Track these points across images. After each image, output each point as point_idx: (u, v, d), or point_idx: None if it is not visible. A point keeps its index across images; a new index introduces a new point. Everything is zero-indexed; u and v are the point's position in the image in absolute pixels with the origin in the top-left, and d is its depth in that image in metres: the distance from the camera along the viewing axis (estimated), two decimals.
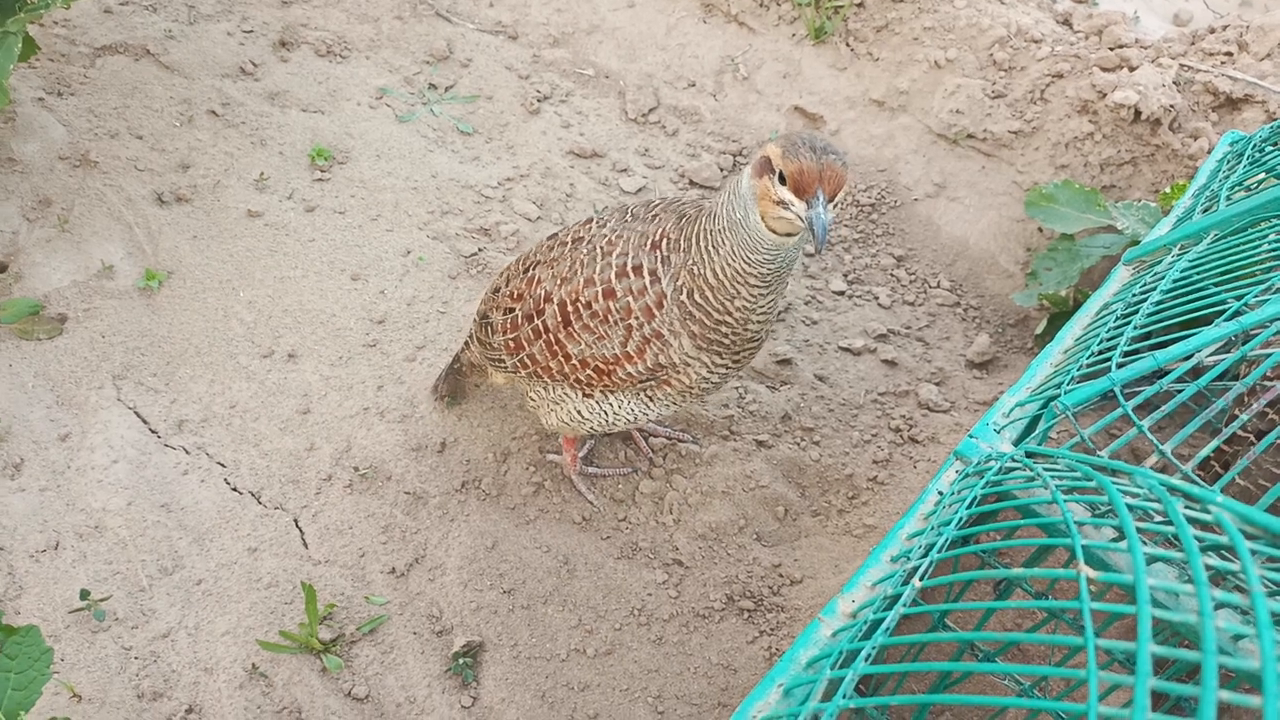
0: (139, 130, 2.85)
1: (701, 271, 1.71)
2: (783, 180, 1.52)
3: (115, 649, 1.92)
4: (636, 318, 1.80)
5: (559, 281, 1.87)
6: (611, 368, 1.87)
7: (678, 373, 1.85)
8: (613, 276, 1.80)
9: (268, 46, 3.27)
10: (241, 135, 2.94)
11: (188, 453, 2.24)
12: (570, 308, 1.85)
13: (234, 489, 2.19)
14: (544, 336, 1.91)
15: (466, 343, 2.21)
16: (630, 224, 1.87)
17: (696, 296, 1.73)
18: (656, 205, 1.89)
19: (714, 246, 1.68)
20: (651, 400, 1.94)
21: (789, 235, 1.61)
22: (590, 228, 1.92)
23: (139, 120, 2.88)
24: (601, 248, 1.84)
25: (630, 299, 1.79)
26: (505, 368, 2.05)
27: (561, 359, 1.91)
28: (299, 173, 2.90)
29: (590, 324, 1.84)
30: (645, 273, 1.78)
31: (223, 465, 2.23)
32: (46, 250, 2.50)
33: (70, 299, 2.44)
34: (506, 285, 2.03)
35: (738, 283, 1.68)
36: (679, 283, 1.75)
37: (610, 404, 1.97)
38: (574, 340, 1.87)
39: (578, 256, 1.87)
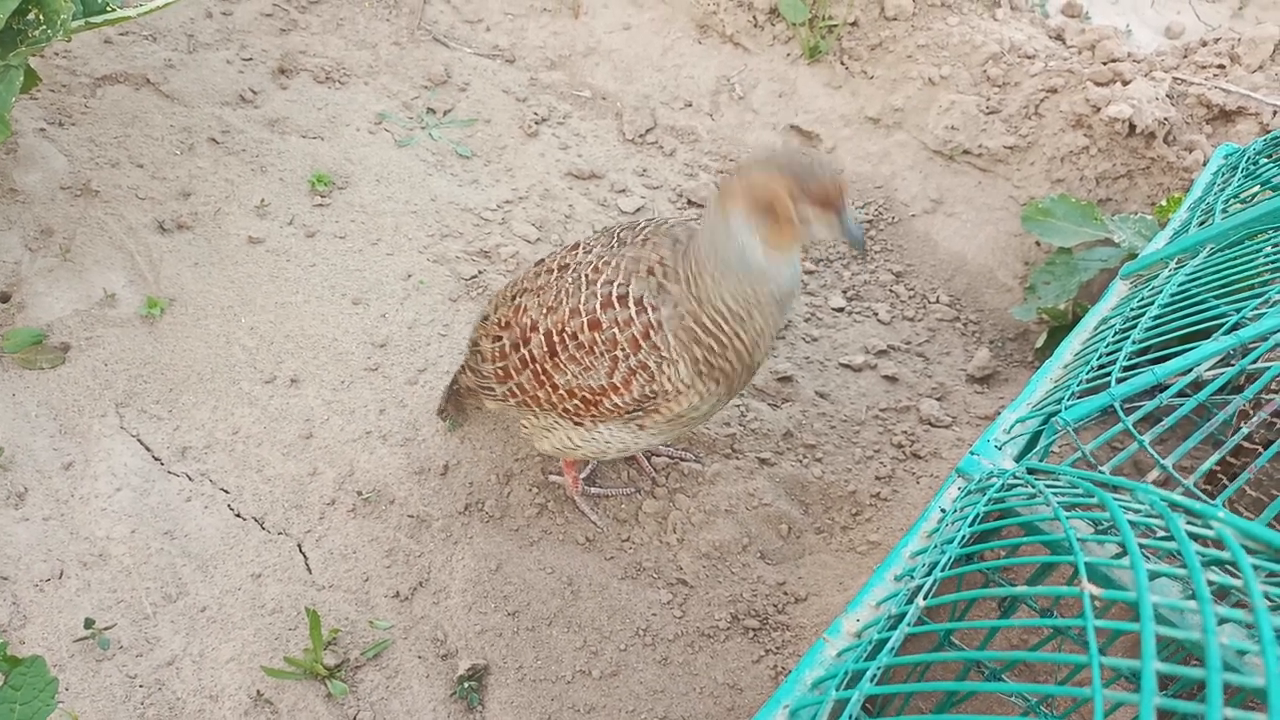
0: (140, 159, 2.87)
1: (710, 298, 1.70)
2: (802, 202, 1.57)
3: (120, 677, 1.91)
4: (622, 349, 1.77)
5: (545, 310, 1.86)
6: (598, 398, 1.85)
7: (668, 401, 1.83)
8: (598, 307, 1.77)
9: (267, 74, 3.29)
10: (242, 162, 2.96)
11: (191, 479, 2.24)
12: (556, 338, 1.83)
13: (237, 515, 2.20)
14: (531, 366, 1.90)
15: (463, 366, 2.20)
16: (617, 250, 1.83)
17: (705, 321, 1.72)
18: (644, 228, 1.86)
19: (718, 276, 1.69)
20: (641, 429, 1.93)
21: (789, 253, 1.64)
22: (577, 254, 1.90)
23: (140, 149, 2.90)
24: (587, 275, 1.82)
25: (616, 330, 1.76)
26: (495, 396, 2.04)
27: (549, 388, 1.90)
28: (299, 198, 2.91)
29: (576, 355, 1.82)
30: (632, 302, 1.75)
31: (226, 491, 2.23)
32: (49, 280, 2.52)
33: (73, 328, 2.45)
34: (495, 312, 2.02)
35: (752, 307, 1.69)
36: (682, 308, 1.73)
37: (600, 432, 1.96)
38: (560, 371, 1.86)
39: (563, 285, 1.85)
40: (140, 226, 2.70)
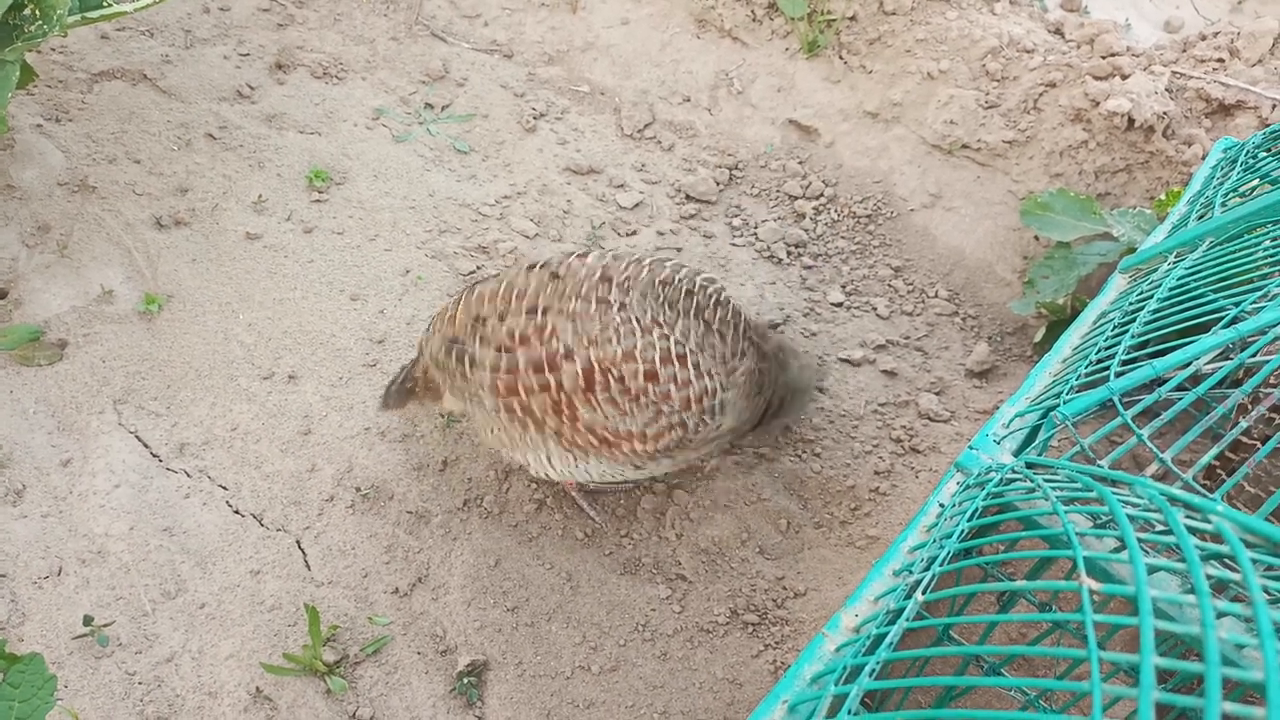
0: (137, 155, 2.86)
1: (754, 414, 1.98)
2: None
3: (119, 675, 1.91)
4: (671, 404, 1.81)
5: (586, 342, 1.79)
6: (620, 441, 1.86)
7: (684, 451, 1.92)
8: (656, 358, 1.78)
9: (264, 69, 3.28)
10: (239, 158, 2.96)
11: (189, 476, 2.24)
12: (599, 375, 1.78)
13: (236, 511, 2.19)
14: (552, 394, 1.83)
15: (419, 358, 2.11)
16: (660, 307, 1.86)
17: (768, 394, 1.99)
18: (684, 293, 1.91)
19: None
20: (637, 469, 1.96)
21: None
22: (611, 290, 1.85)
23: (137, 145, 2.89)
24: (642, 323, 1.81)
25: (673, 386, 1.80)
26: (480, 403, 1.95)
27: (567, 419, 1.84)
28: (297, 194, 2.91)
29: (618, 398, 1.80)
30: (695, 368, 1.82)
31: (224, 488, 2.23)
32: (46, 276, 2.51)
33: (70, 324, 2.44)
34: (499, 320, 1.89)
35: None
36: (740, 406, 1.92)
37: (589, 464, 1.95)
38: (591, 407, 1.82)
39: (609, 320, 1.80)
40: (138, 222, 2.69)
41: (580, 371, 1.79)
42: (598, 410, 1.82)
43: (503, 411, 1.92)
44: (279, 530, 2.17)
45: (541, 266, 1.95)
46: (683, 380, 1.80)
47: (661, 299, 1.87)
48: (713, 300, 1.95)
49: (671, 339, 1.81)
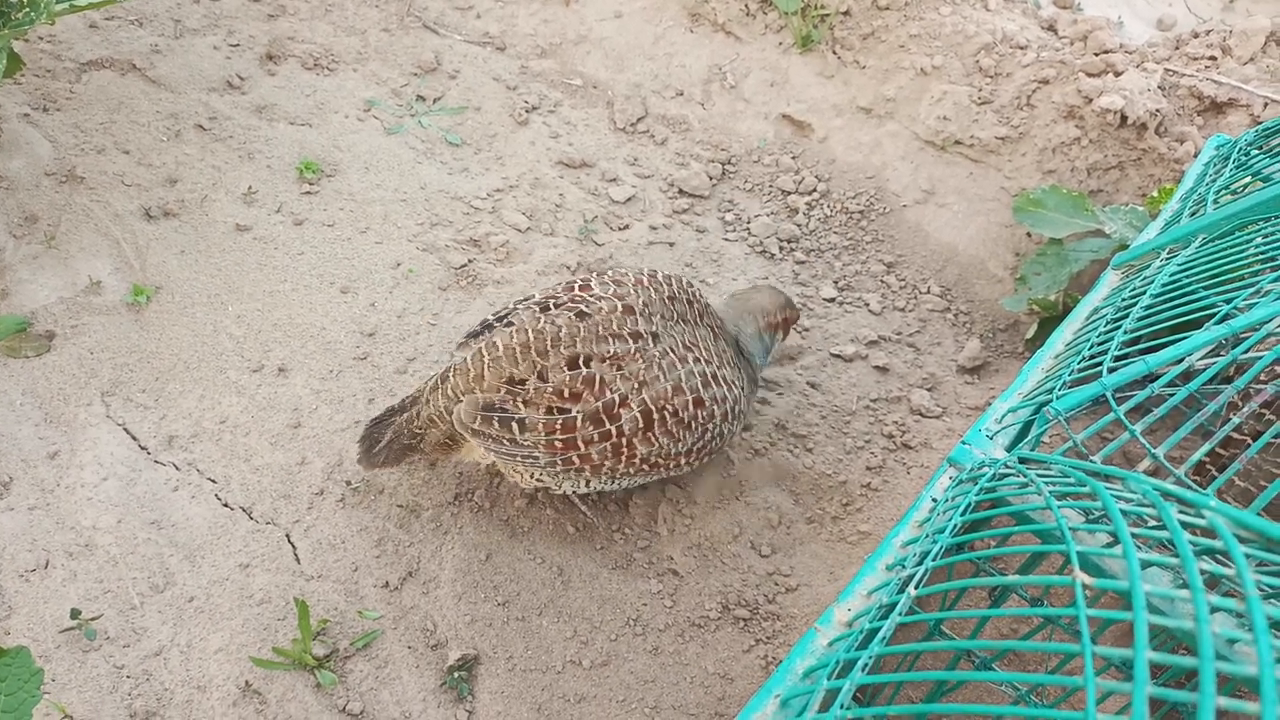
0: (126, 145, 2.84)
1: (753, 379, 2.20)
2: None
3: (107, 668, 1.90)
4: (715, 422, 1.98)
5: (636, 385, 1.86)
6: (669, 461, 1.98)
7: (716, 454, 2.12)
8: (699, 385, 1.93)
9: (254, 60, 3.26)
10: (229, 149, 2.93)
11: (178, 469, 2.23)
12: (656, 414, 1.88)
13: (225, 505, 2.18)
14: (613, 440, 1.87)
15: (432, 420, 2.01)
16: (680, 327, 2.00)
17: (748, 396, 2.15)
18: (685, 303, 2.05)
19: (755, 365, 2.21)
20: (668, 472, 2.05)
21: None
22: (638, 321, 1.92)
23: (126, 135, 2.87)
24: (677, 353, 1.92)
25: (715, 406, 1.96)
26: (532, 461, 1.90)
27: (625, 458, 1.91)
28: (287, 186, 2.89)
29: (674, 429, 1.91)
30: (725, 382, 1.99)
31: (213, 481, 2.22)
32: (33, 267, 2.49)
33: (58, 315, 2.42)
34: (539, 380, 1.85)
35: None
36: (745, 387, 2.09)
37: (628, 482, 2.04)
38: (649, 444, 1.90)
39: (650, 356, 1.88)
40: (126, 213, 2.67)
41: (639, 416, 1.87)
42: (655, 444, 1.91)
43: (559, 465, 1.91)
44: (268, 523, 2.16)
45: (557, 305, 1.95)
46: (720, 398, 1.96)
47: (675, 317, 1.99)
48: (701, 301, 2.10)
49: (703, 362, 1.95)
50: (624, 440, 1.88)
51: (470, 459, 2.11)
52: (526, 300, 2.03)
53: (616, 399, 1.84)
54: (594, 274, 2.07)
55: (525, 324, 1.93)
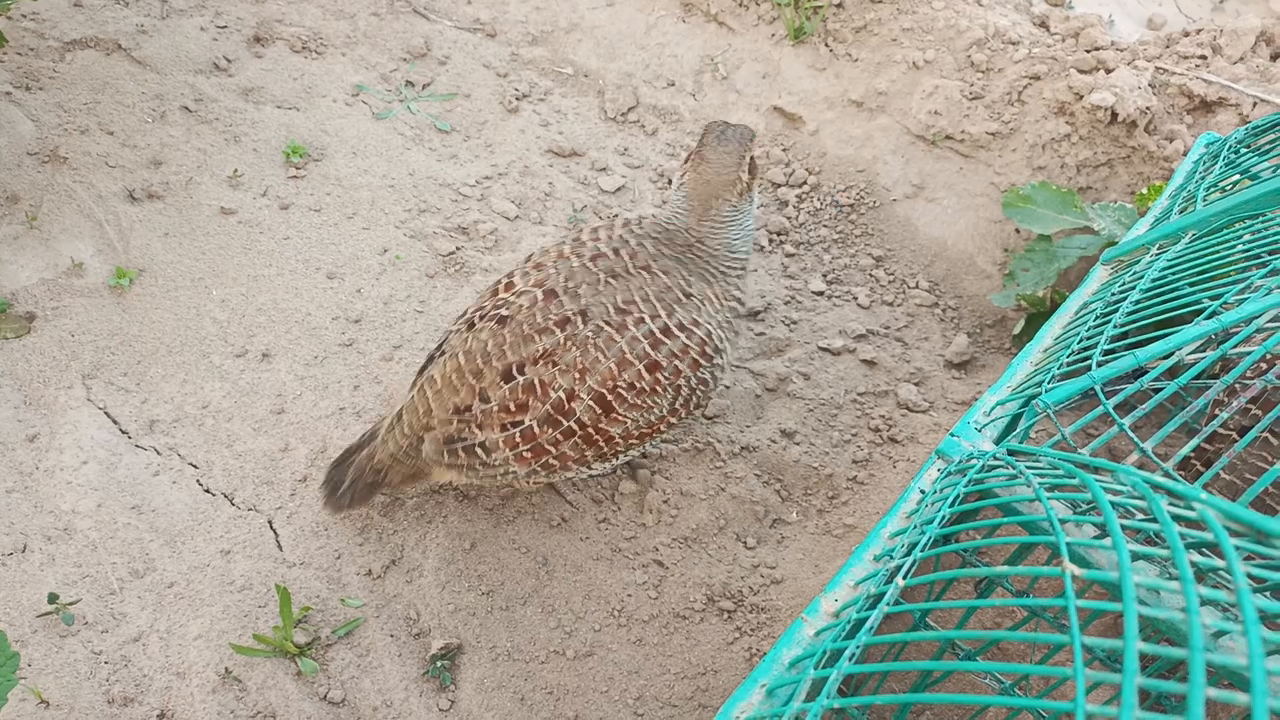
0: (110, 126, 2.80)
1: (729, 273, 1.93)
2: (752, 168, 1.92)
3: (84, 653, 1.88)
4: (685, 376, 1.81)
5: (578, 374, 1.74)
6: (656, 427, 1.88)
7: (715, 390, 1.96)
8: (648, 349, 1.76)
9: (242, 42, 3.22)
10: (215, 132, 2.90)
11: (159, 453, 2.20)
12: (610, 396, 1.76)
13: (206, 490, 2.16)
14: (579, 434, 1.79)
15: (394, 458, 1.95)
16: (611, 287, 1.79)
17: (736, 294, 1.93)
18: (612, 254, 1.84)
19: (732, 249, 1.93)
20: (664, 434, 1.96)
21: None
22: (563, 303, 1.78)
23: (110, 116, 2.83)
24: (612, 323, 1.76)
25: (677, 361, 1.79)
26: (513, 475, 1.88)
27: (600, 444, 1.83)
28: (273, 170, 2.86)
29: (636, 401, 1.79)
30: (681, 329, 1.79)
31: (195, 466, 2.19)
32: (14, 248, 2.45)
33: (39, 297, 2.39)
34: (481, 402, 1.81)
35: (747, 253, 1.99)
36: (714, 302, 1.87)
37: (633, 453, 1.97)
38: (618, 422, 1.80)
39: (582, 339, 1.75)
40: (110, 195, 2.64)
41: (592, 404, 1.77)
42: (625, 421, 1.81)
43: (540, 471, 1.88)
44: (250, 510, 2.14)
45: (482, 317, 1.85)
46: (681, 349, 1.79)
47: (603, 278, 1.81)
48: (635, 240, 1.89)
49: (646, 319, 1.77)
50: (590, 430, 1.79)
51: (442, 481, 2.05)
52: (458, 320, 1.95)
53: (563, 396, 1.75)
54: (520, 264, 1.97)
55: (456, 348, 1.87)
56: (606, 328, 1.75)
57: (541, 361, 1.76)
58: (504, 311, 1.83)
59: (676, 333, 1.79)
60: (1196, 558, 0.82)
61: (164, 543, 2.06)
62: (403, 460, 1.94)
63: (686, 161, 1.94)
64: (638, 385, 1.77)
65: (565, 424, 1.78)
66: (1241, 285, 1.44)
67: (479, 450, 1.84)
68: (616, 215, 1.99)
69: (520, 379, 1.77)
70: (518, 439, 1.80)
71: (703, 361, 1.83)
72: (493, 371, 1.79)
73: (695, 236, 1.90)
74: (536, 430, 1.79)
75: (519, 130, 3.22)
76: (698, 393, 1.88)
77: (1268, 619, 0.82)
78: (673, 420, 1.89)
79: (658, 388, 1.79)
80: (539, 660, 1.98)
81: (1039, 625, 1.48)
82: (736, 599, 2.11)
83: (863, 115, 3.30)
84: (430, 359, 1.98)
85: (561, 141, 3.19)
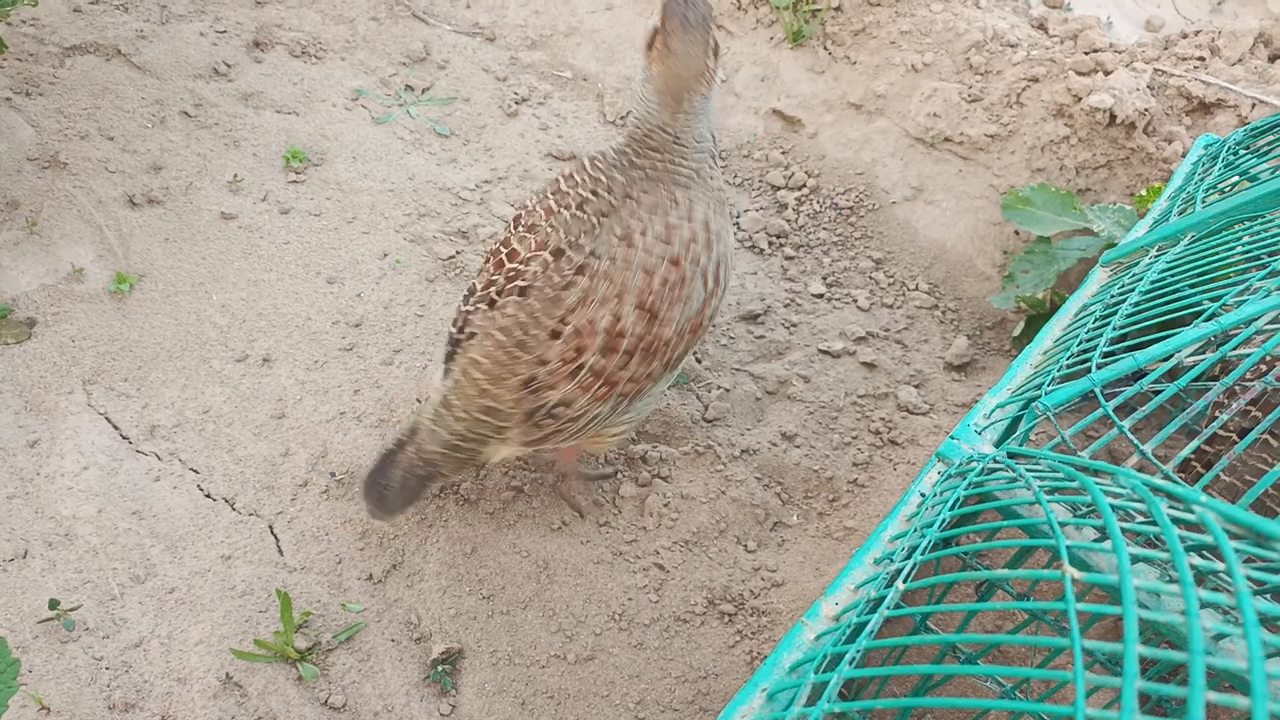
0: (110, 131, 2.81)
1: (706, 156, 1.93)
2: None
3: (85, 659, 1.88)
4: (703, 260, 1.85)
5: (614, 300, 1.78)
6: (701, 318, 1.90)
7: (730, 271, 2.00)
8: (663, 249, 1.80)
9: (241, 47, 3.23)
10: (214, 137, 2.90)
11: (160, 459, 2.20)
12: (650, 305, 1.80)
13: (207, 495, 2.16)
14: (639, 349, 1.82)
15: (450, 445, 1.94)
16: (607, 223, 1.82)
17: (714, 183, 1.96)
18: (593, 196, 1.85)
19: (695, 138, 1.91)
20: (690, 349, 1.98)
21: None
22: (569, 258, 1.81)
23: (110, 121, 2.83)
24: (620, 255, 1.78)
25: (694, 246, 1.83)
26: (603, 417, 1.92)
27: (661, 348, 1.85)
28: (273, 175, 2.86)
29: (674, 295, 1.82)
30: (681, 223, 1.83)
31: (196, 471, 2.19)
32: (14, 253, 2.46)
33: (39, 303, 2.39)
34: (542, 366, 1.83)
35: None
36: (703, 186, 1.90)
37: (660, 385, 1.98)
38: (668, 323, 1.83)
39: (605, 274, 1.78)
40: (110, 200, 2.64)
41: (635, 318, 1.80)
42: (673, 321, 1.84)
43: (622, 400, 1.91)
44: (251, 515, 2.14)
45: (500, 294, 1.88)
46: (689, 238, 1.83)
47: (596, 220, 1.84)
48: (606, 175, 1.90)
49: (649, 234, 1.80)
50: (647, 338, 1.82)
51: (497, 459, 2.07)
52: (471, 300, 1.95)
53: (605, 325, 1.79)
54: (510, 227, 1.96)
55: (485, 327, 1.88)
56: (620, 254, 1.79)
57: (577, 309, 1.81)
58: (521, 283, 1.86)
59: (678, 226, 1.83)
60: (1196, 560, 0.82)
61: (165, 548, 2.06)
62: (459, 446, 1.94)
63: (650, 49, 1.87)
64: (670, 279, 1.80)
65: (623, 345, 1.81)
66: (1241, 287, 1.44)
67: (562, 409, 1.87)
68: (578, 157, 1.99)
69: (567, 329, 1.81)
70: (590, 380, 1.83)
71: (713, 242, 1.87)
72: (538, 339, 1.83)
73: (671, 134, 1.88)
74: (600, 364, 1.82)
75: (518, 134, 3.22)
76: (720, 270, 1.91)
77: (1268, 622, 0.82)
78: (715, 304, 1.93)
79: (686, 276, 1.82)
80: (540, 664, 1.98)
81: (1039, 628, 1.48)
82: (737, 602, 2.11)
83: (862, 118, 3.30)
84: (455, 342, 1.97)
85: (561, 145, 3.19)
